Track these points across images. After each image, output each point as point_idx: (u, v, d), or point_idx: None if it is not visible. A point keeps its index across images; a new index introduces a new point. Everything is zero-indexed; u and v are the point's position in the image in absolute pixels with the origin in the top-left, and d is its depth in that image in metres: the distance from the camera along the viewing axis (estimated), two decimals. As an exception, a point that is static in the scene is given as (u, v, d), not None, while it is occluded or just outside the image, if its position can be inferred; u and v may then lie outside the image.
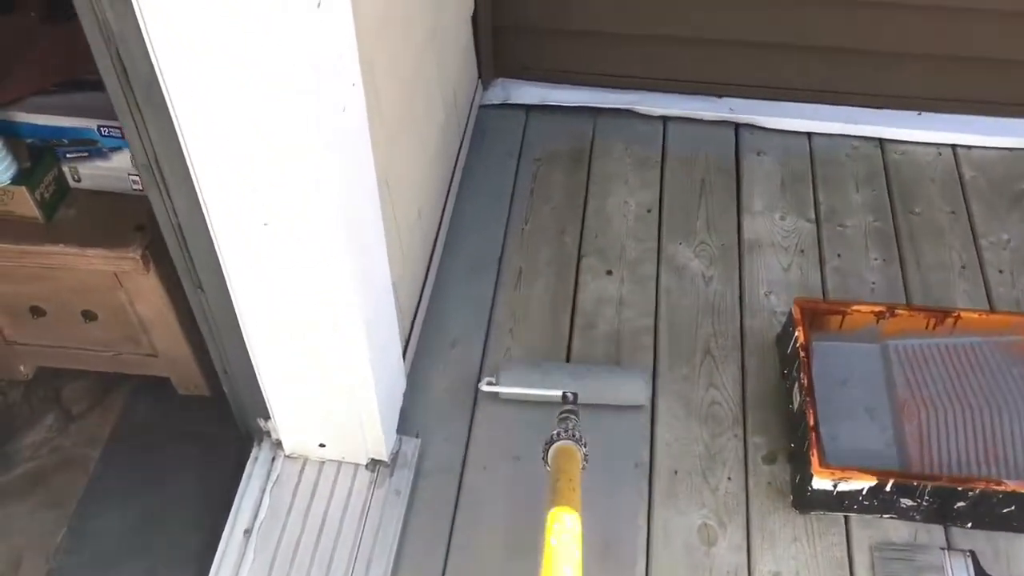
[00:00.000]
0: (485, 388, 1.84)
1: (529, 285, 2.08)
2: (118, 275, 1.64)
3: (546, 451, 1.56)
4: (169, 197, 1.33)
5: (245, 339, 1.52)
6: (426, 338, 1.98)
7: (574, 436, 1.55)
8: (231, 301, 1.46)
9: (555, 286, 2.08)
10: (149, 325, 1.75)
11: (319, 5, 1.08)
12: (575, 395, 1.70)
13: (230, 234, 1.32)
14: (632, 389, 1.84)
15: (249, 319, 1.48)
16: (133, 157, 1.31)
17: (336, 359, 1.54)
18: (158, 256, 1.62)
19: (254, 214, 1.27)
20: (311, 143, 1.17)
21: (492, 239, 2.17)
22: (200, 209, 1.30)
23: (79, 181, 1.66)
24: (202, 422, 1.87)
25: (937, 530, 1.69)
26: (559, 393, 1.71)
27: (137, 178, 1.62)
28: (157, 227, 1.56)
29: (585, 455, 1.54)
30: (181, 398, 1.91)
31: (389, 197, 1.64)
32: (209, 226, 1.32)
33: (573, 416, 1.62)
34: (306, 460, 1.75)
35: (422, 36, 1.85)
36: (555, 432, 1.57)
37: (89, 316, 1.74)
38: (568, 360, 1.95)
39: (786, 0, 2.22)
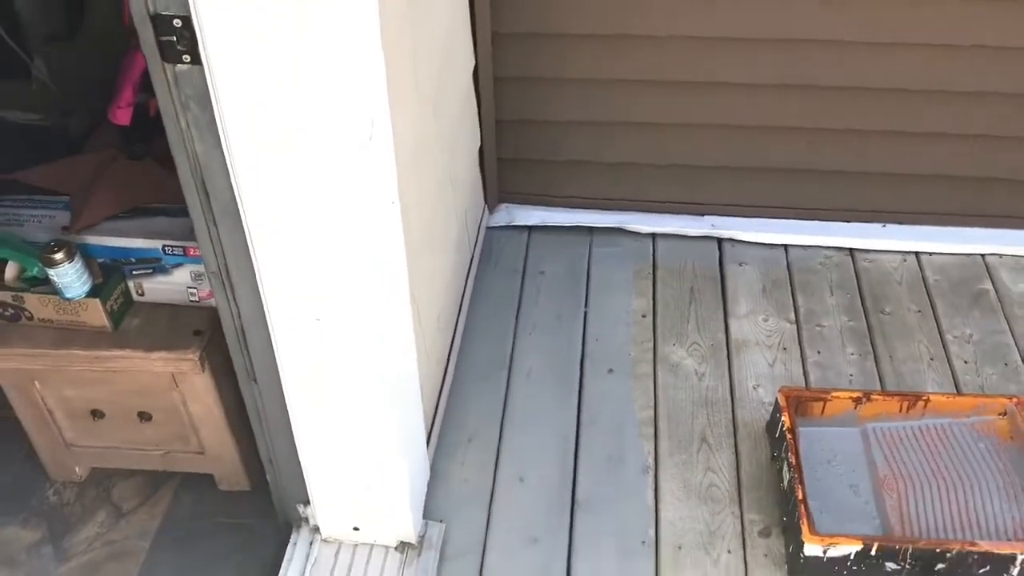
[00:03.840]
0: None
1: (538, 384, 2.29)
2: (175, 376, 1.84)
3: None
4: (234, 299, 1.55)
5: (292, 429, 1.72)
6: (445, 434, 2.16)
7: None
8: (282, 393, 1.66)
9: (562, 385, 2.28)
10: (199, 423, 1.94)
11: (371, 138, 1.33)
12: None
13: (286, 330, 1.54)
14: None
15: (298, 411, 1.68)
16: (205, 265, 1.53)
17: (372, 448, 1.73)
18: (212, 358, 1.83)
19: (308, 311, 1.49)
20: (359, 254, 1.40)
21: (502, 344, 2.39)
22: (261, 308, 1.52)
23: (142, 295, 1.88)
24: (243, 514, 2.03)
25: (922, 593, 1.84)
26: None
27: (194, 290, 1.85)
28: (212, 332, 1.79)
29: None
30: (223, 493, 2.07)
31: (415, 307, 1.86)
32: (268, 323, 1.53)
33: None
34: (341, 544, 1.91)
35: (441, 171, 2.12)
36: None
37: (145, 416, 1.93)
38: (576, 462, 2.10)
39: (756, 128, 2.52)
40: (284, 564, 1.88)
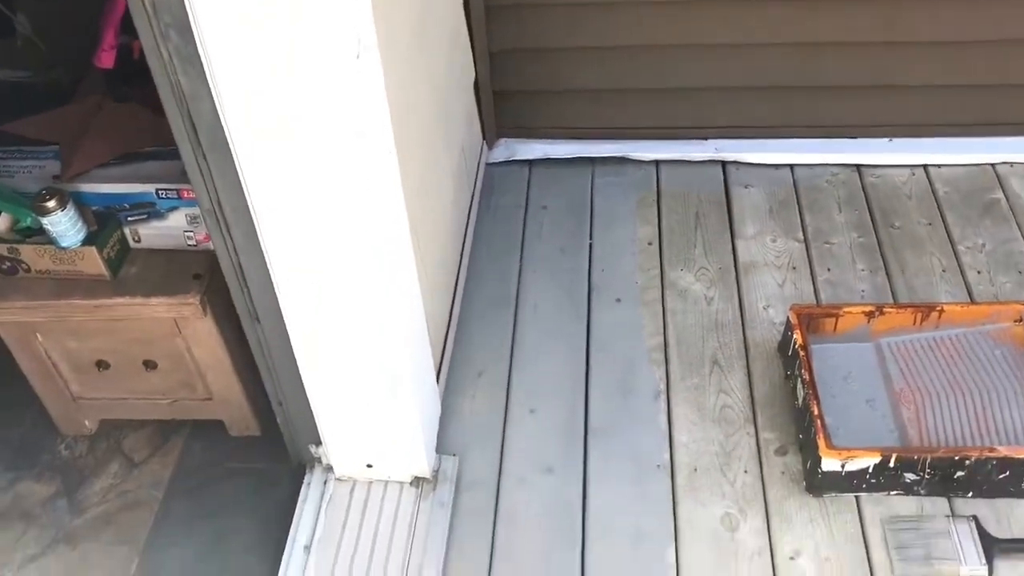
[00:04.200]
0: None
1: (545, 317, 2.26)
2: (178, 321, 1.81)
3: None
4: (230, 236, 1.52)
5: (299, 368, 1.69)
6: (455, 370, 2.14)
7: None
8: (286, 332, 1.63)
9: (570, 316, 2.26)
10: (205, 369, 1.92)
11: (358, 56, 1.28)
12: None
13: (285, 267, 1.51)
14: None
15: (302, 349, 1.66)
16: (199, 203, 1.50)
17: (380, 384, 1.71)
18: (214, 302, 1.80)
19: (307, 247, 1.46)
20: (357, 184, 1.36)
21: (508, 280, 2.36)
22: (258, 244, 1.49)
23: (139, 241, 1.85)
24: (255, 459, 2.02)
25: (941, 502, 1.83)
26: None
27: (191, 233, 1.82)
28: (212, 276, 1.77)
29: None
30: (234, 440, 2.06)
31: (417, 243, 1.83)
32: (267, 260, 1.50)
33: None
34: (355, 481, 1.90)
35: (435, 106, 2.07)
36: None
37: (150, 365, 1.92)
38: (587, 391, 2.09)
39: (756, 45, 2.46)
40: (299, 504, 1.87)
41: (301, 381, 1.71)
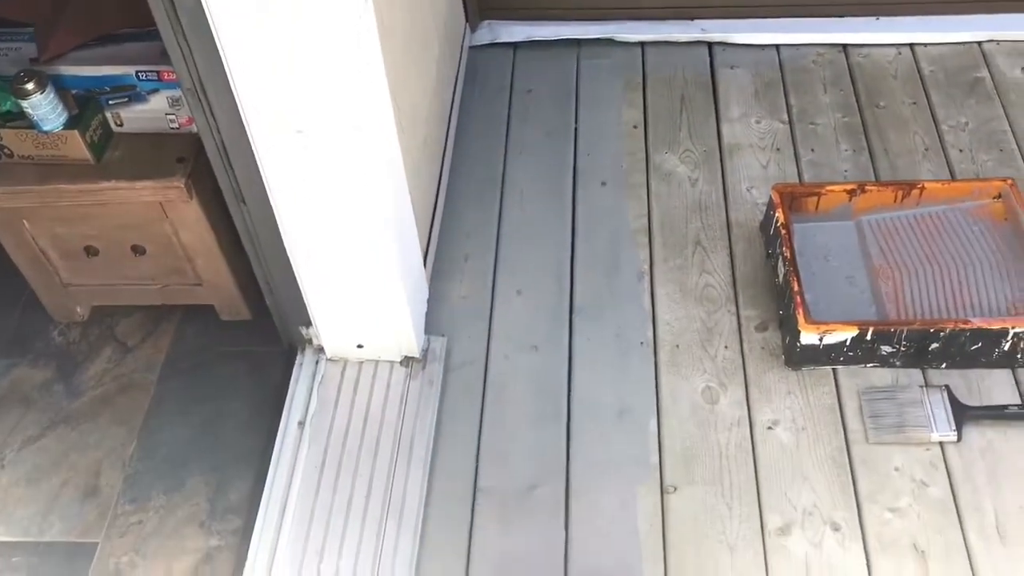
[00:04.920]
0: None
1: (531, 201, 2.27)
2: (164, 205, 1.82)
3: None
4: (213, 115, 1.51)
5: (287, 250, 1.71)
6: (441, 253, 2.17)
7: None
8: (273, 214, 1.64)
9: (555, 199, 2.27)
10: (193, 253, 1.93)
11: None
12: None
13: (268, 146, 1.51)
14: None
15: (290, 231, 1.67)
16: (179, 82, 1.49)
17: (369, 265, 1.73)
18: (199, 186, 1.80)
19: (289, 123, 1.46)
20: (335, 53, 1.35)
21: (493, 164, 2.36)
22: (241, 123, 1.48)
23: (121, 125, 1.84)
24: (247, 343, 2.06)
25: (916, 373, 1.89)
26: None
27: (173, 116, 1.81)
28: (196, 159, 1.76)
29: None
30: (225, 324, 2.10)
31: (399, 121, 1.82)
32: (250, 139, 1.50)
33: None
34: (346, 361, 1.94)
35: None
36: None
37: (139, 250, 1.93)
38: (572, 273, 2.11)
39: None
40: (292, 384, 1.92)
41: (289, 262, 1.73)
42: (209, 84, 1.47)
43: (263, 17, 1.31)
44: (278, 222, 1.66)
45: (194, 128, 1.69)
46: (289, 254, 1.72)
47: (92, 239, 1.92)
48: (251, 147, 1.52)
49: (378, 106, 1.55)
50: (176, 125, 1.82)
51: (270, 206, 1.63)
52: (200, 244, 1.91)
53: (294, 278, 1.77)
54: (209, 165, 1.64)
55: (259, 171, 1.56)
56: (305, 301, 1.82)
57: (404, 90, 1.86)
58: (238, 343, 2.07)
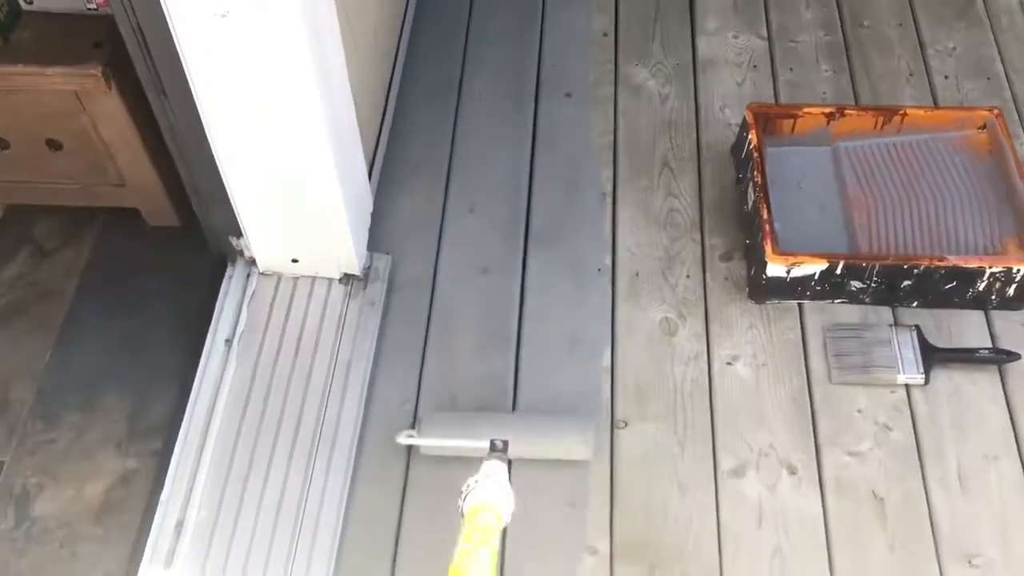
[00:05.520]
0: (403, 441, 1.58)
1: (489, 109, 2.11)
2: (80, 95, 1.64)
3: (462, 501, 1.23)
4: (126, -7, 1.33)
5: (213, 153, 1.55)
6: (390, 161, 2.01)
7: (491, 494, 1.22)
8: (197, 110, 1.48)
9: (515, 109, 2.11)
10: (115, 151, 1.76)
11: None
12: (505, 443, 1.41)
13: (189, 31, 1.33)
14: (573, 443, 1.59)
15: (215, 129, 1.51)
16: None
17: (304, 172, 1.57)
18: (120, 77, 1.63)
19: (210, 5, 1.29)
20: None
21: (450, 66, 2.19)
22: (159, 2, 1.31)
23: (31, 3, 1.65)
24: (174, 251, 1.90)
25: (885, 311, 1.79)
26: (485, 443, 1.41)
27: (90, -4, 1.62)
28: (115, 45, 1.58)
29: (507, 519, 1.22)
30: (152, 230, 1.94)
31: (343, 7, 1.64)
32: (169, 22, 1.33)
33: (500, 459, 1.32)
34: (280, 276, 1.80)
35: None
36: (470, 482, 1.24)
37: (54, 145, 1.75)
38: (530, 191, 1.98)
39: None
40: (220, 298, 1.78)
41: (216, 166, 1.58)
42: (120, -43, 1.29)
43: None
44: (202, 120, 1.49)
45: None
46: (216, 156, 1.56)
47: (2, 131, 1.74)
48: (170, 29, 1.35)
49: (315, -8, 1.38)
50: (94, 5, 1.63)
51: (193, 101, 1.46)
52: (122, 141, 1.74)
53: (222, 183, 1.62)
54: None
55: (180, 59, 1.39)
56: (234, 209, 1.67)
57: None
58: (165, 251, 1.91)
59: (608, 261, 1.87)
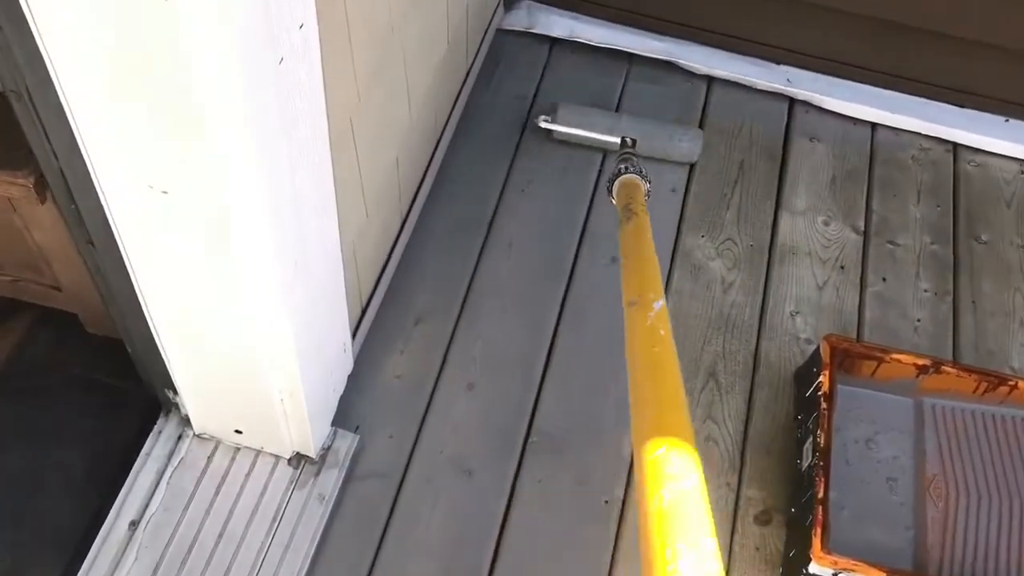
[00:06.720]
0: (541, 124, 1.86)
1: (517, 263, 1.77)
2: (11, 201, 1.33)
3: (611, 185, 1.43)
4: (46, 134, 1.01)
5: (142, 305, 1.23)
6: (386, 311, 1.68)
7: (640, 172, 1.44)
8: (125, 263, 1.15)
9: (547, 266, 1.77)
10: (49, 256, 1.45)
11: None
12: (634, 141, 1.68)
13: (117, 196, 1.01)
14: (686, 144, 1.88)
15: (145, 285, 1.19)
16: (1, 81, 0.98)
17: (252, 338, 1.24)
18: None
19: (142, 177, 0.96)
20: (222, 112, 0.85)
21: (485, 199, 1.85)
22: (82, 157, 0.98)
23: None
24: (109, 370, 1.58)
25: (945, 641, 1.43)
26: (616, 139, 1.79)
27: (43, 82, 1.29)
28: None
29: (648, 190, 1.42)
30: (90, 338, 1.62)
31: (353, 142, 1.32)
32: (95, 183, 1.00)
33: (634, 158, 1.48)
34: (218, 443, 1.47)
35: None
36: (620, 167, 1.44)
37: (-18, 235, 1.44)
38: (543, 379, 1.65)
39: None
40: (140, 458, 1.45)
41: (147, 320, 1.25)
42: (37, 93, 0.96)
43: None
44: (131, 274, 1.17)
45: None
46: (146, 311, 1.24)
47: (-77, 209, 1.43)
48: (98, 193, 1.02)
49: (305, 141, 1.04)
50: (45, 94, 1.31)
51: (123, 256, 1.14)
52: (58, 250, 1.43)
53: (152, 337, 1.29)
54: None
55: (108, 219, 1.07)
56: (167, 366, 1.34)
57: (372, 104, 1.36)
58: (98, 368, 1.59)
59: (619, 493, 1.52)
